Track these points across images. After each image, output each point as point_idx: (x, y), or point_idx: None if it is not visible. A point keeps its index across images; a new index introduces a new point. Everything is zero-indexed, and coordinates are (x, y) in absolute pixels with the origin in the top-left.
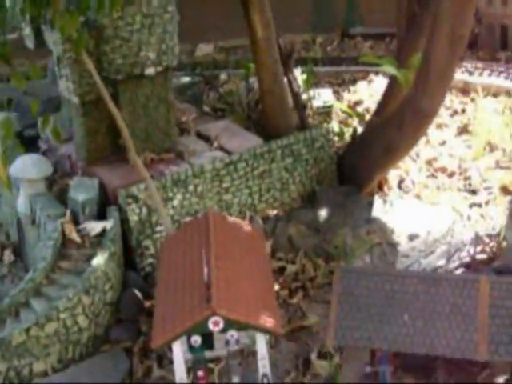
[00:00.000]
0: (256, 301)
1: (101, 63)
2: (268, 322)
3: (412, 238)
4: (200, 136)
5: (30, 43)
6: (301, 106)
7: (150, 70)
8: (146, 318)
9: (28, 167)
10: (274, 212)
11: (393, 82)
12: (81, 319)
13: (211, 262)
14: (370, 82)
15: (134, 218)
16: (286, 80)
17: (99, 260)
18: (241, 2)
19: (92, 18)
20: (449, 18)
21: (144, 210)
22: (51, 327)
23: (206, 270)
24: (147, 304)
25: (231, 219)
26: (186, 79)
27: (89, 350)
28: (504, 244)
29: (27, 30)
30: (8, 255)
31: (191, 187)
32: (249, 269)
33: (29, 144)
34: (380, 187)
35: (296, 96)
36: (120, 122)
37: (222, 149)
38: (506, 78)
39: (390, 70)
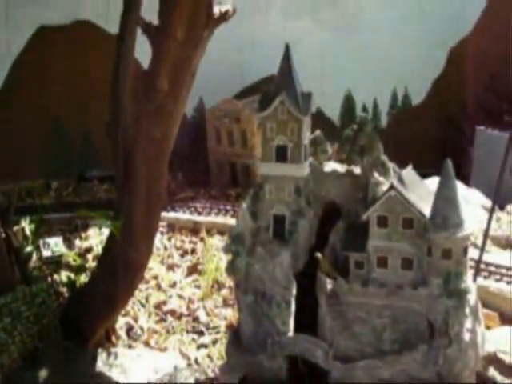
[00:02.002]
0: None
1: None
2: None
3: None
4: None
5: None
6: (22, 261)
7: None
8: None
9: None
10: None
11: (112, 232)
12: None
13: None
14: (101, 227)
15: None
16: (4, 235)
17: None
18: None
19: None
20: (143, 177)
21: None
22: None
23: None
24: None
25: None
26: None
27: None
28: None
29: None
30: None
31: None
32: None
33: None
34: (108, 337)
35: (16, 251)
36: None
37: None
38: (232, 216)
39: (103, 222)
